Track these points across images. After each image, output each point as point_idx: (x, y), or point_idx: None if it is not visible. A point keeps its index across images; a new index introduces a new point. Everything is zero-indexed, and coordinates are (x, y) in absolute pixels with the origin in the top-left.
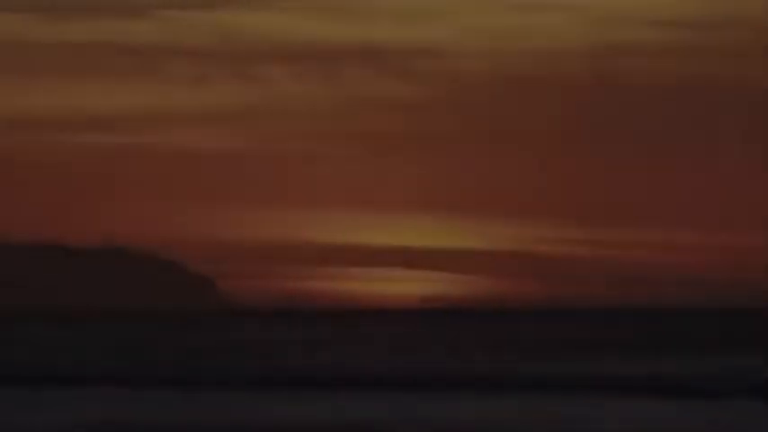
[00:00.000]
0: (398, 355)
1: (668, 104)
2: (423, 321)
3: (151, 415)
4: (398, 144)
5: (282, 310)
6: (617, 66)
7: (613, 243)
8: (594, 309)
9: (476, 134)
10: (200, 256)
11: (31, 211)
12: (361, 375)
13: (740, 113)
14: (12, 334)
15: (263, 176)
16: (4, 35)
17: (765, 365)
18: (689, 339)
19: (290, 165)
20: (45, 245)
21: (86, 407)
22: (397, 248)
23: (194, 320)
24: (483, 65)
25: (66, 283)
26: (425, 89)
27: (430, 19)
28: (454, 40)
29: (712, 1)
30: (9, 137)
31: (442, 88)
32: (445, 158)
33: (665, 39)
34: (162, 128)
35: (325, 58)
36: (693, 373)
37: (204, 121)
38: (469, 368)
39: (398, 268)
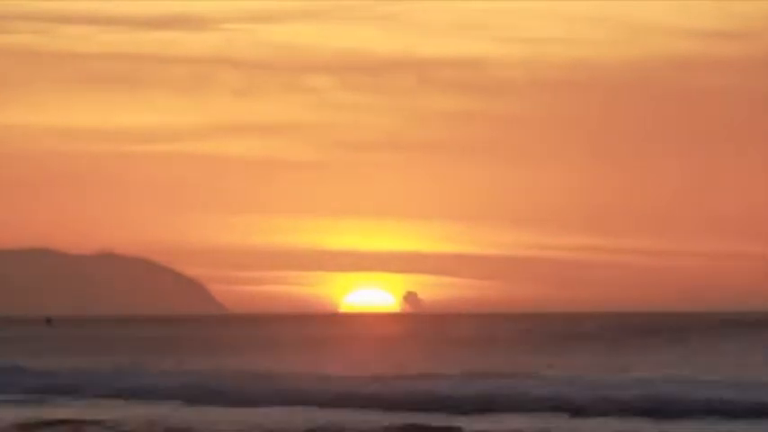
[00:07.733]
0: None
1: (704, 114)
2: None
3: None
4: (442, 153)
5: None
6: (655, 75)
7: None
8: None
9: (516, 143)
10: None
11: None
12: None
13: None
14: None
15: (314, 185)
16: (63, 46)
17: None
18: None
19: (339, 174)
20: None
21: None
22: (426, 254)
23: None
24: (523, 74)
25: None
26: (468, 99)
27: (473, 30)
28: (496, 51)
29: (751, 12)
30: (58, 144)
31: (484, 98)
32: (482, 167)
33: (703, 49)
34: (211, 137)
35: (373, 69)
36: None
37: (254, 131)
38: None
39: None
